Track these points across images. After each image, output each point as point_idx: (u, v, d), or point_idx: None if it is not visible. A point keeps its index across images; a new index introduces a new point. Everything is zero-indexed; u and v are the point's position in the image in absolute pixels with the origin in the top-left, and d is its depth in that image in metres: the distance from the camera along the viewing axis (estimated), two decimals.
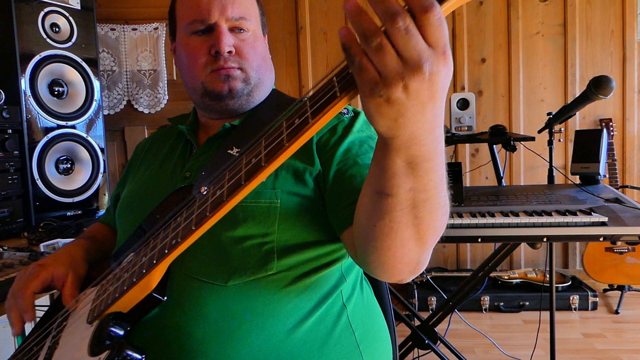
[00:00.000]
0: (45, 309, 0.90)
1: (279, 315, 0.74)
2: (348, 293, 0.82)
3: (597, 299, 2.77)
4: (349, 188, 0.74)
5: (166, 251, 0.64)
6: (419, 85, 0.43)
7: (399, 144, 0.49)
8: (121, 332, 0.67)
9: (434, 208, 0.56)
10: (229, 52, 0.85)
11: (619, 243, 2.74)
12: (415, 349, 1.97)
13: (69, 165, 1.99)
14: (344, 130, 0.82)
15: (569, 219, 1.36)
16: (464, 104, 1.92)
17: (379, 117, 0.46)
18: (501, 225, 1.38)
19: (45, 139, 1.89)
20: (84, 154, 2.03)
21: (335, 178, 0.77)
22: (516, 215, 1.41)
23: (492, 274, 2.86)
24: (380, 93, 0.44)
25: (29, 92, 1.84)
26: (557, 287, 2.73)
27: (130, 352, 0.63)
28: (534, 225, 1.37)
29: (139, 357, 0.63)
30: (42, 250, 1.40)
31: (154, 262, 0.66)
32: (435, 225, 0.59)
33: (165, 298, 0.71)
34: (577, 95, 1.67)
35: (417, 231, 0.58)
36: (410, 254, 0.61)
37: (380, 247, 0.61)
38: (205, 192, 0.63)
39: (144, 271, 0.67)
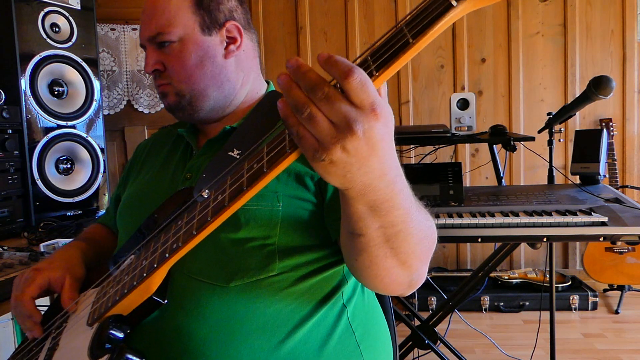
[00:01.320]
0: (45, 309, 0.90)
1: (280, 316, 0.74)
2: (349, 294, 0.82)
3: (597, 299, 2.77)
4: None
5: (167, 255, 0.65)
6: (356, 144, 0.46)
7: (355, 194, 0.52)
8: (121, 335, 0.67)
9: (408, 237, 0.59)
10: (155, 70, 0.87)
11: (619, 243, 2.74)
12: (415, 349, 1.97)
13: (69, 165, 1.99)
14: None
15: (569, 219, 1.36)
16: (464, 104, 1.92)
17: (328, 176, 0.49)
18: (501, 225, 1.38)
19: (45, 139, 1.89)
20: (84, 154, 2.03)
21: (334, 188, 0.77)
22: (516, 215, 1.41)
23: (492, 274, 2.86)
24: (322, 157, 0.47)
25: (29, 92, 1.84)
26: (557, 287, 2.73)
27: (130, 356, 0.63)
28: (534, 225, 1.37)
29: None
30: (42, 250, 1.40)
31: (155, 266, 0.66)
32: (415, 250, 0.61)
33: (166, 301, 0.71)
34: (577, 95, 1.67)
35: (398, 259, 0.61)
36: (399, 278, 0.64)
37: (368, 275, 0.65)
38: (206, 196, 0.63)
39: (145, 275, 0.67)
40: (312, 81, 0.46)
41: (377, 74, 0.47)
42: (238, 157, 0.81)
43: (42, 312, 0.85)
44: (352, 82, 0.44)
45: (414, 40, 0.45)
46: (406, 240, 0.59)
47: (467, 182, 3.09)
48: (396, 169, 0.52)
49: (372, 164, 0.48)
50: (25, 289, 0.81)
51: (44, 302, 0.85)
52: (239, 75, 0.90)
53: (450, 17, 0.46)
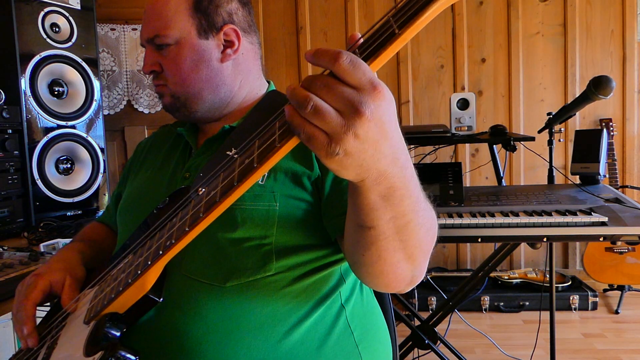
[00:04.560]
0: (47, 309, 0.90)
1: (277, 316, 0.74)
2: (347, 294, 0.82)
3: (597, 299, 2.77)
4: (343, 197, 0.75)
5: (160, 252, 0.65)
6: (366, 127, 0.45)
7: (369, 184, 0.51)
8: (117, 333, 0.67)
9: (416, 228, 0.58)
10: (153, 71, 0.88)
11: (619, 243, 2.74)
12: (415, 349, 1.97)
13: (69, 165, 1.99)
14: None
15: (569, 219, 1.36)
16: (464, 104, 1.92)
17: (344, 170, 0.48)
18: (501, 225, 1.38)
19: (45, 139, 1.89)
20: (84, 154, 2.03)
21: (332, 185, 0.78)
22: (516, 215, 1.41)
23: (492, 274, 2.86)
24: (336, 150, 0.45)
25: (29, 92, 1.85)
26: (557, 287, 2.73)
27: (123, 353, 0.63)
28: (534, 225, 1.37)
29: (133, 357, 0.64)
30: (42, 250, 1.40)
31: (149, 263, 0.66)
32: (422, 242, 0.61)
33: (162, 299, 0.71)
34: (577, 95, 1.67)
35: (405, 253, 0.60)
36: (403, 273, 0.64)
37: (373, 271, 0.64)
38: (201, 193, 0.63)
39: (139, 272, 0.67)
40: (310, 77, 0.46)
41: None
42: (236, 156, 0.81)
43: (42, 318, 0.85)
44: (343, 63, 0.44)
45: (400, 31, 0.45)
46: (415, 232, 0.58)
47: (467, 182, 3.09)
48: (405, 153, 0.52)
49: (384, 148, 0.47)
50: (28, 295, 0.80)
51: (44, 308, 0.85)
52: (236, 78, 0.90)
53: (437, 7, 0.45)
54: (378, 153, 0.47)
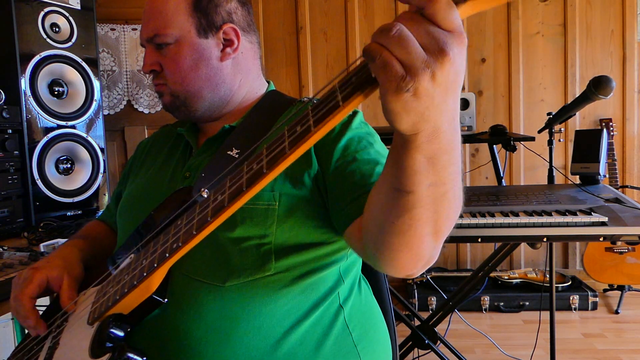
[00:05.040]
0: (44, 308, 0.90)
1: (276, 316, 0.74)
2: (345, 295, 0.82)
3: (597, 299, 2.77)
4: (349, 184, 0.74)
5: (167, 255, 0.65)
6: (446, 70, 0.42)
7: (422, 140, 0.47)
8: (121, 334, 0.67)
9: (452, 200, 0.56)
10: (153, 71, 0.88)
11: (619, 243, 2.74)
12: (415, 349, 1.97)
13: (69, 165, 1.99)
14: (342, 127, 0.81)
15: (569, 219, 1.36)
16: (464, 104, 1.93)
17: (405, 114, 0.44)
18: (501, 225, 1.38)
19: (45, 139, 1.88)
20: (84, 154, 2.03)
21: (334, 175, 0.77)
22: (516, 215, 1.41)
23: (492, 274, 2.86)
24: (408, 87, 0.42)
25: (29, 92, 1.84)
26: (557, 287, 2.73)
27: (131, 355, 0.63)
28: (534, 225, 1.37)
29: (140, 359, 0.64)
30: (42, 250, 1.40)
31: (155, 265, 0.66)
32: (452, 217, 0.58)
33: (166, 300, 0.71)
34: (577, 95, 1.67)
35: (435, 225, 0.57)
36: (427, 249, 0.61)
37: (398, 243, 0.60)
38: (206, 196, 0.63)
39: (145, 274, 0.67)
40: (400, 14, 0.43)
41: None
42: (237, 156, 0.81)
43: (41, 312, 0.85)
44: (440, 2, 0.41)
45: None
46: (448, 205, 0.56)
47: (467, 182, 3.09)
48: (458, 118, 0.49)
49: (449, 100, 0.45)
50: (24, 289, 0.80)
51: (44, 301, 0.85)
52: (236, 77, 0.90)
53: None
54: (443, 104, 0.44)
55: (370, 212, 0.64)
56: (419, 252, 0.61)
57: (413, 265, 0.63)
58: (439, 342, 1.94)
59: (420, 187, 0.52)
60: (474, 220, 1.39)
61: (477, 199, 1.57)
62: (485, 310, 2.78)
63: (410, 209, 0.55)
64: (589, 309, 2.76)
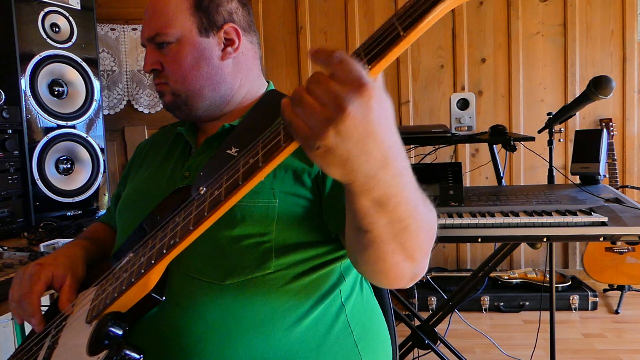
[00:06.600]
0: (45, 308, 0.90)
1: (277, 314, 0.74)
2: (347, 293, 0.82)
3: (597, 299, 2.77)
4: (344, 193, 0.74)
5: (164, 251, 0.65)
6: (349, 125, 0.44)
7: (359, 189, 0.49)
8: (120, 332, 0.67)
9: (415, 231, 0.57)
10: (154, 70, 0.89)
11: (619, 243, 2.73)
12: (415, 349, 1.97)
13: (69, 165, 1.99)
14: None
15: (569, 219, 1.36)
16: (464, 104, 1.92)
17: (327, 167, 0.47)
18: (501, 225, 1.38)
19: (45, 139, 1.89)
20: (84, 154, 2.03)
21: (334, 181, 0.77)
22: (516, 215, 1.41)
23: (492, 274, 2.86)
24: (316, 145, 0.45)
25: (29, 92, 1.84)
26: (557, 287, 2.73)
27: (128, 352, 0.63)
28: (534, 225, 1.37)
29: (137, 356, 0.63)
30: (42, 250, 1.40)
31: (152, 262, 0.66)
32: (422, 243, 0.60)
33: (164, 298, 0.71)
34: (577, 95, 1.67)
35: (405, 254, 0.60)
36: (404, 271, 0.64)
37: (372, 270, 0.64)
38: (203, 192, 0.63)
39: (143, 271, 0.67)
40: (311, 75, 0.46)
41: (370, 66, 0.46)
42: (236, 155, 0.81)
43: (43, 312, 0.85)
44: (334, 59, 0.44)
45: (405, 33, 0.45)
46: (413, 235, 0.57)
47: (467, 182, 3.09)
48: (401, 159, 0.50)
49: (370, 150, 0.46)
50: (33, 287, 0.80)
51: (43, 301, 0.85)
52: (236, 77, 0.91)
53: (442, 9, 0.45)
54: (364, 154, 0.46)
55: (346, 243, 0.68)
56: (397, 275, 0.64)
57: (397, 283, 0.67)
58: (439, 342, 1.94)
59: (375, 226, 0.55)
60: (474, 220, 1.39)
61: (477, 199, 1.57)
62: (485, 310, 2.78)
63: (371, 244, 0.58)
64: (589, 309, 2.76)
